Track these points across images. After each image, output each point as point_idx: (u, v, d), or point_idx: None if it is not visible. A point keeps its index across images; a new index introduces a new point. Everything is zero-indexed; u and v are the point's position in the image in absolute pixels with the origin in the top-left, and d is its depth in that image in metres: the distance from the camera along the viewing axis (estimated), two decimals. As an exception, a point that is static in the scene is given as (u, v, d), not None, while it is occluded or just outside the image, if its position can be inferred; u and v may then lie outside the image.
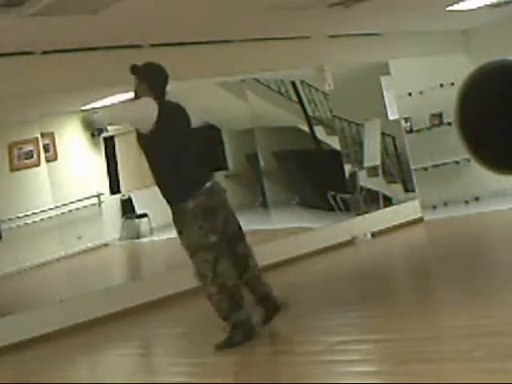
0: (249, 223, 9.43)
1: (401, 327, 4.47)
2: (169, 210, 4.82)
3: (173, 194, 4.71)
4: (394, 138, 10.19)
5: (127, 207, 10.02)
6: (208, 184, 4.72)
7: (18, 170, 9.13)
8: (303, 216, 9.70)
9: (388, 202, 9.83)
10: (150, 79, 4.76)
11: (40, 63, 6.50)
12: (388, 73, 9.74)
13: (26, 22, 5.32)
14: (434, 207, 10.15)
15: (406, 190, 10.01)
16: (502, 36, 9.21)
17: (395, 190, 10.09)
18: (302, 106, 9.87)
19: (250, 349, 4.71)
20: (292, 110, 9.95)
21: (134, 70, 4.80)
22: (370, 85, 9.67)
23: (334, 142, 9.48)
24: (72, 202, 9.06)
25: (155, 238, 9.83)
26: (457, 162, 9.85)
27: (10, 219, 8.81)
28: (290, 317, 5.55)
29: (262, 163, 9.01)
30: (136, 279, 8.05)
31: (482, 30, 9.70)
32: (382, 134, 9.92)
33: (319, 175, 9.79)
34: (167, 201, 4.77)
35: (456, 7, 8.17)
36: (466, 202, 10.09)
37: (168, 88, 4.84)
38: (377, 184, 9.81)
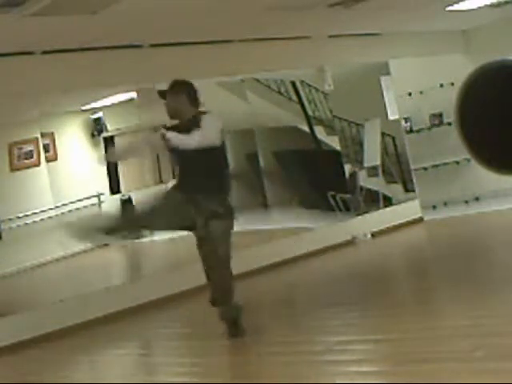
0: (249, 223, 9.46)
1: (401, 327, 4.47)
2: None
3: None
4: (394, 138, 10.19)
5: (127, 207, 10.00)
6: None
7: (18, 169, 9.12)
8: (303, 216, 9.70)
9: (388, 201, 9.83)
10: (190, 91, 4.97)
11: (40, 63, 6.50)
12: (388, 73, 9.74)
13: (26, 22, 5.32)
14: (434, 207, 10.15)
15: (406, 190, 10.01)
16: (502, 36, 9.21)
17: (395, 189, 10.09)
18: (302, 106, 9.86)
19: (249, 349, 4.71)
20: (292, 110, 9.94)
21: (163, 93, 5.00)
22: (370, 85, 9.67)
23: (334, 142, 9.47)
24: (72, 202, 9.05)
25: (155, 237, 9.81)
26: (457, 162, 9.85)
27: (10, 219, 8.80)
28: (290, 317, 5.56)
29: (262, 163, 9.01)
30: (136, 279, 8.04)
31: (482, 30, 9.70)
32: (382, 134, 9.92)
33: (319, 175, 9.78)
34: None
35: (456, 7, 8.17)
36: (466, 202, 10.09)
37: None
38: (377, 184, 9.81)
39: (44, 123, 8.27)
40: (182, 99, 4.94)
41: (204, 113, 4.97)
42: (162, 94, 5.01)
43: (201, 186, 4.88)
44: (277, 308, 6.20)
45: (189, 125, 4.83)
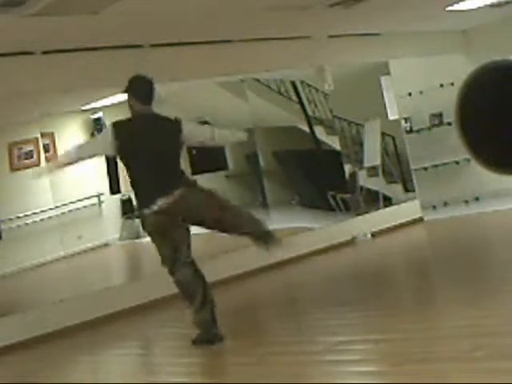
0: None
1: (401, 327, 4.47)
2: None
3: (137, 201, 4.98)
4: (394, 138, 10.19)
5: (127, 207, 10.00)
6: (160, 202, 4.80)
7: (18, 169, 9.12)
8: (303, 216, 9.70)
9: (388, 201, 9.83)
10: (135, 89, 4.97)
11: (40, 63, 6.50)
12: (388, 73, 9.73)
13: (26, 22, 5.33)
14: (434, 207, 10.15)
15: (406, 190, 10.01)
16: (502, 36, 9.21)
17: (395, 190, 10.09)
18: (302, 105, 9.87)
19: (249, 349, 4.71)
20: (292, 110, 9.95)
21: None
22: (370, 85, 9.67)
23: (334, 142, 9.47)
24: (72, 202, 9.05)
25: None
26: (457, 162, 9.85)
27: (10, 219, 8.80)
28: (290, 316, 5.56)
29: (262, 163, 9.01)
30: (136, 279, 8.04)
31: (482, 30, 9.70)
32: (382, 134, 9.92)
33: (319, 175, 9.78)
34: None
35: (456, 7, 8.17)
36: (466, 201, 10.09)
37: (156, 95, 5.01)
38: (377, 184, 9.81)
39: (44, 123, 8.26)
40: (129, 98, 4.97)
41: (157, 115, 4.98)
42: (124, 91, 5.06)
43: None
44: (277, 308, 6.19)
45: (139, 124, 4.89)
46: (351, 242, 8.63)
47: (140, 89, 4.97)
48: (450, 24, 9.32)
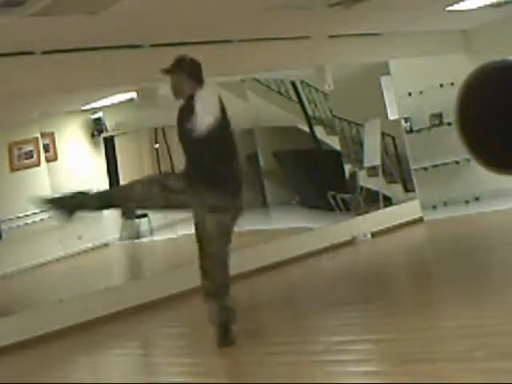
0: (249, 223, 9.46)
1: (401, 327, 4.47)
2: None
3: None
4: (394, 138, 10.19)
5: (127, 207, 10.00)
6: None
7: (18, 169, 9.12)
8: (303, 216, 9.70)
9: (388, 202, 9.83)
10: (189, 69, 4.84)
11: (40, 63, 6.50)
12: (388, 73, 9.74)
13: (25, 22, 5.33)
14: (434, 207, 10.15)
15: (406, 190, 10.02)
16: (502, 36, 9.21)
17: (395, 190, 10.10)
18: (302, 105, 9.87)
19: (249, 349, 4.71)
20: (292, 110, 9.95)
21: (169, 69, 4.84)
22: (370, 85, 9.68)
23: (334, 142, 9.48)
24: (72, 202, 9.04)
25: (155, 237, 9.84)
26: (457, 162, 9.85)
27: (10, 219, 8.80)
28: (290, 317, 5.56)
29: (261, 163, 9.01)
30: (136, 279, 8.04)
31: (482, 30, 9.70)
32: (382, 134, 9.93)
33: (319, 175, 9.79)
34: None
35: (456, 7, 8.18)
36: (466, 202, 10.09)
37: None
38: (377, 184, 9.82)
39: (44, 123, 8.27)
40: (181, 77, 4.80)
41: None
42: (166, 72, 4.84)
43: (204, 177, 4.72)
44: (277, 308, 6.20)
45: (188, 107, 4.73)
46: (351, 242, 8.63)
47: (198, 70, 4.87)
48: (450, 24, 9.32)
